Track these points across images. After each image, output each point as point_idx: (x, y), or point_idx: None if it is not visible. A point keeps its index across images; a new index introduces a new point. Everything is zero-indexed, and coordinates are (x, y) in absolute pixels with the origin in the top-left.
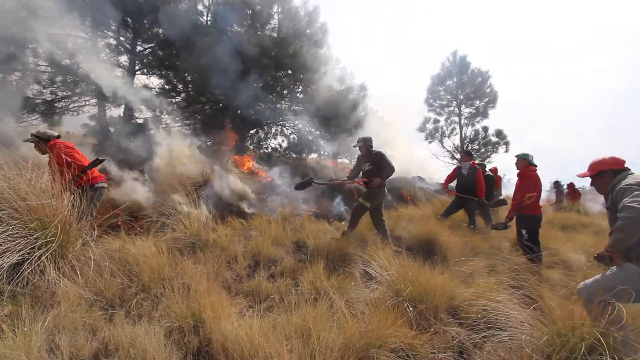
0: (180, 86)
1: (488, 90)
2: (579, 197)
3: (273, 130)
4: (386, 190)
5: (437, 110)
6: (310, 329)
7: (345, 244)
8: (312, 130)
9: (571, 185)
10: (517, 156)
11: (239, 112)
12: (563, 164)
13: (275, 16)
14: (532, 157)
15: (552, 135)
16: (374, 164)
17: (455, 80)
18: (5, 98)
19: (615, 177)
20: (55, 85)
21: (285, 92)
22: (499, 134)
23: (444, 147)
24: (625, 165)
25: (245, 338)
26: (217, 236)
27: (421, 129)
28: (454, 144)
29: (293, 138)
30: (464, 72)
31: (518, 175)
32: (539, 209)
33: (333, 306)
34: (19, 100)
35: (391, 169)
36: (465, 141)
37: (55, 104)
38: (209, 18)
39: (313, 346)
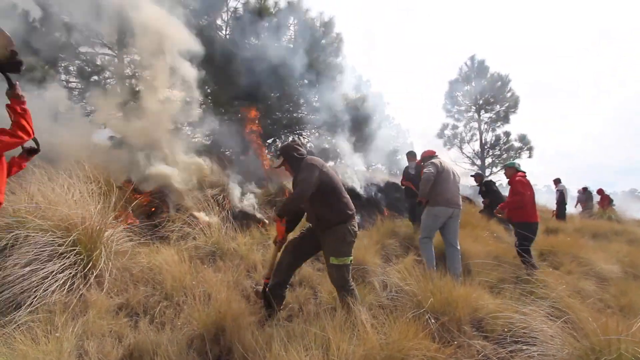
0: (200, 98)
1: (509, 94)
2: (610, 203)
3: (290, 138)
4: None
5: (456, 116)
6: (330, 339)
7: (364, 253)
8: (329, 138)
9: (601, 191)
10: (504, 166)
11: (256, 121)
12: (589, 168)
13: (291, 28)
14: (519, 164)
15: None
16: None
17: (473, 85)
18: (38, 113)
19: None
20: (84, 101)
21: (301, 101)
22: (522, 138)
23: (463, 153)
24: None
25: (265, 348)
26: (237, 245)
27: (439, 135)
28: (473, 150)
29: (310, 147)
30: (483, 77)
31: (508, 183)
32: (533, 216)
33: (352, 317)
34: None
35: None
36: (486, 147)
37: (85, 118)
38: (227, 32)
39: (333, 357)
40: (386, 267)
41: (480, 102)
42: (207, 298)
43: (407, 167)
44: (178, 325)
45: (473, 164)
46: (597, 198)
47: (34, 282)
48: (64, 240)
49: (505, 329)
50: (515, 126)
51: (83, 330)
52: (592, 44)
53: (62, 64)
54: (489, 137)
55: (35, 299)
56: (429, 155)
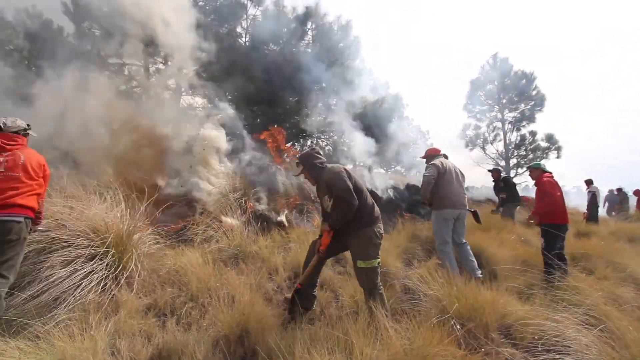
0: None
1: (534, 92)
2: None
3: (309, 142)
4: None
5: (478, 116)
6: (353, 343)
7: (385, 257)
8: (347, 141)
9: (638, 192)
10: (529, 167)
11: (275, 126)
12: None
13: (309, 32)
14: (545, 165)
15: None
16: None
17: (496, 84)
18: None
19: None
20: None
21: (320, 104)
22: (550, 138)
23: (486, 154)
24: None
25: (288, 350)
26: (259, 248)
27: (461, 136)
28: (497, 151)
29: (329, 150)
30: (506, 75)
31: (535, 184)
32: (563, 218)
33: (375, 321)
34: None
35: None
36: (510, 147)
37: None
38: (247, 39)
39: None
40: (408, 271)
41: (504, 101)
42: (231, 300)
43: None
44: (203, 326)
45: (497, 164)
46: (633, 200)
47: (70, 282)
48: (97, 243)
49: (536, 337)
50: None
51: (115, 329)
52: (596, 45)
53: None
54: (514, 137)
55: (72, 298)
56: (432, 155)
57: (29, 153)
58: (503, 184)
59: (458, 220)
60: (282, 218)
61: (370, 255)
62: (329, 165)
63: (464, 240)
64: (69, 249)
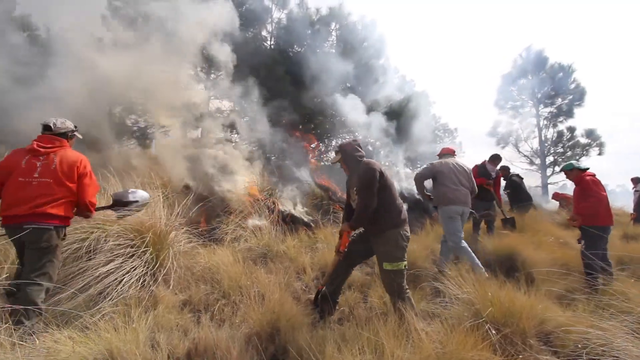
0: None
1: (572, 86)
2: None
3: (333, 143)
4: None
5: (510, 112)
6: (384, 345)
7: (414, 259)
8: (372, 141)
9: None
10: (562, 169)
11: (300, 127)
12: None
13: (333, 33)
14: (578, 163)
15: None
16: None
17: (530, 78)
18: (112, 127)
19: None
20: (147, 114)
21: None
22: (590, 134)
23: (520, 152)
24: None
25: (319, 349)
26: (286, 247)
27: (491, 134)
28: (532, 148)
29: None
30: (541, 68)
31: (576, 185)
32: (607, 219)
33: (405, 323)
34: (121, 129)
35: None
36: (546, 144)
37: (147, 130)
38: (271, 42)
39: None
40: (438, 273)
41: (539, 95)
42: (261, 298)
43: (486, 168)
44: (236, 323)
45: (532, 163)
46: None
47: (113, 278)
48: (137, 242)
49: (579, 345)
50: (582, 121)
51: (154, 322)
52: None
53: None
54: (550, 133)
55: (115, 293)
56: (445, 154)
57: (63, 155)
58: (510, 182)
59: (463, 216)
60: (309, 219)
61: (396, 257)
62: (366, 160)
63: (462, 244)
64: (112, 246)
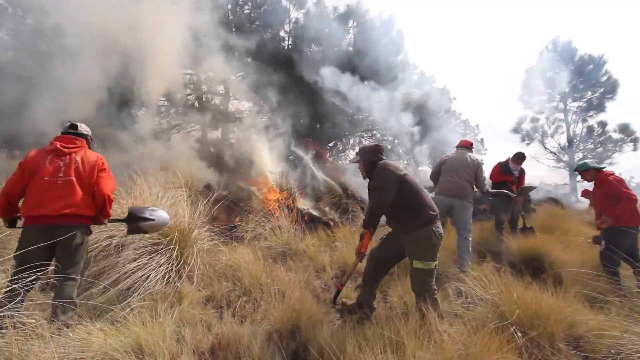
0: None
1: (604, 78)
2: None
3: (351, 141)
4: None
5: (536, 107)
6: (405, 345)
7: None
8: (391, 139)
9: None
10: (577, 170)
11: (317, 126)
12: None
13: (351, 31)
14: (595, 164)
15: None
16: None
17: (557, 71)
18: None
19: None
20: (170, 116)
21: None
22: (624, 129)
23: (546, 148)
24: None
25: (340, 348)
26: (306, 246)
27: (515, 130)
28: (559, 144)
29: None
30: (570, 61)
31: (598, 186)
32: (634, 220)
33: (426, 323)
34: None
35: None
36: (575, 140)
37: (170, 131)
38: (290, 42)
39: None
40: (460, 273)
41: (567, 89)
42: (282, 296)
43: (509, 167)
44: (257, 320)
45: (559, 160)
46: None
47: (140, 274)
48: (162, 239)
49: (612, 351)
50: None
51: (179, 317)
52: None
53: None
54: (579, 128)
55: (143, 288)
56: (460, 146)
57: (84, 156)
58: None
59: (455, 209)
60: (330, 217)
61: (428, 256)
62: (383, 161)
63: (465, 235)
64: (139, 244)
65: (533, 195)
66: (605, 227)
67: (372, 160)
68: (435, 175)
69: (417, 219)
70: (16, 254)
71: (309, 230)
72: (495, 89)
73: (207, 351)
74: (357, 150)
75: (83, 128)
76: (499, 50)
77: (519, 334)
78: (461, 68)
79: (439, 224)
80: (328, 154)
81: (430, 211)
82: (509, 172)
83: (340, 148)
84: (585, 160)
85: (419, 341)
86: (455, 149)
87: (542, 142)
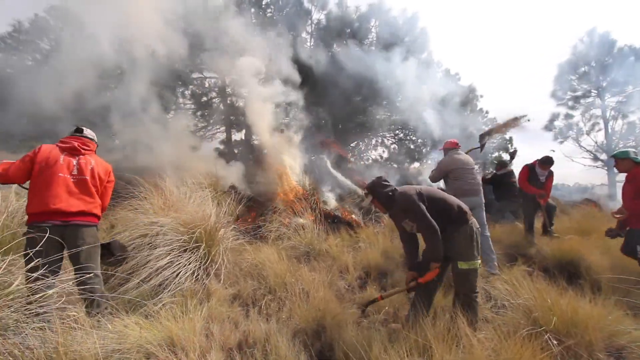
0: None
1: None
2: None
3: (373, 141)
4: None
5: (570, 103)
6: (433, 348)
7: None
8: (414, 139)
9: None
10: (614, 156)
11: (339, 126)
12: None
13: (373, 29)
14: (636, 153)
15: None
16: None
17: (594, 64)
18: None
19: None
20: (196, 119)
21: (384, 102)
22: None
23: (581, 147)
24: None
25: (366, 348)
26: (329, 246)
27: (547, 128)
28: (596, 142)
29: (394, 148)
30: (608, 53)
31: (627, 178)
32: None
33: (455, 327)
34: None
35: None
36: (614, 137)
37: (197, 134)
38: (311, 43)
39: None
40: (489, 276)
41: (605, 83)
42: (306, 295)
43: (535, 171)
44: (282, 318)
45: (595, 159)
46: None
47: (171, 271)
48: (190, 237)
49: None
50: None
51: (208, 314)
52: None
53: (180, 90)
54: (618, 125)
55: (173, 285)
56: (447, 148)
57: (98, 159)
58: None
59: (474, 209)
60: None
61: (471, 254)
62: (399, 190)
63: (487, 232)
64: (169, 241)
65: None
66: (622, 218)
67: (386, 193)
68: (439, 179)
69: (452, 222)
70: (27, 252)
71: (332, 230)
72: (522, 85)
73: (234, 347)
74: (365, 192)
75: (91, 132)
76: (527, 44)
77: (554, 342)
78: (488, 64)
79: (474, 220)
80: (350, 154)
81: (462, 210)
82: (535, 179)
83: (363, 148)
84: (628, 149)
85: (447, 345)
86: (445, 150)
87: (577, 140)
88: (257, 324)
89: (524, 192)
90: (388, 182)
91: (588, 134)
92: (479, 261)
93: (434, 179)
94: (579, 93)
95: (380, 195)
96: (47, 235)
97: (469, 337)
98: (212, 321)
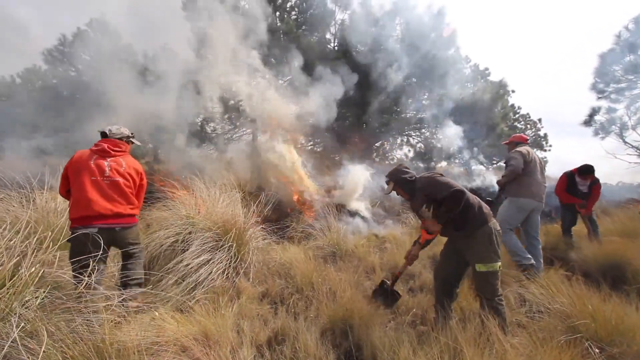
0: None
1: None
2: None
3: (399, 141)
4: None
5: (612, 96)
6: (464, 352)
7: None
8: (441, 137)
9: None
10: None
11: (365, 125)
12: None
13: (398, 27)
14: None
15: None
16: (431, 198)
17: None
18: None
19: None
20: (224, 122)
21: (410, 101)
22: None
23: (625, 143)
24: None
25: (394, 350)
26: (355, 247)
27: (587, 122)
28: None
29: (419, 147)
30: None
31: None
32: None
33: (486, 332)
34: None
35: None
36: None
37: (224, 136)
38: (335, 44)
39: None
40: (522, 279)
41: None
42: (333, 295)
43: (575, 180)
44: (310, 317)
45: None
46: None
47: (203, 270)
48: (221, 237)
49: None
50: None
51: (238, 311)
52: None
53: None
54: None
55: (206, 282)
56: (516, 142)
57: (130, 160)
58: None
59: (534, 212)
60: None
61: (491, 257)
62: (419, 176)
63: (539, 237)
64: (202, 240)
65: (611, 195)
66: None
67: (407, 180)
68: (521, 167)
69: (473, 220)
70: (74, 259)
71: (357, 230)
72: (554, 80)
73: (264, 344)
74: (387, 180)
75: (116, 132)
76: (563, 35)
77: (596, 350)
78: (520, 57)
79: (495, 222)
80: (374, 154)
81: (484, 209)
82: (575, 190)
83: (387, 147)
84: None
85: (479, 350)
86: (510, 145)
87: (621, 136)
88: (286, 322)
89: (562, 202)
90: (408, 168)
91: (633, 128)
92: (499, 263)
93: (518, 167)
94: (623, 85)
95: (402, 182)
96: (89, 238)
97: (501, 342)
98: (242, 318)
